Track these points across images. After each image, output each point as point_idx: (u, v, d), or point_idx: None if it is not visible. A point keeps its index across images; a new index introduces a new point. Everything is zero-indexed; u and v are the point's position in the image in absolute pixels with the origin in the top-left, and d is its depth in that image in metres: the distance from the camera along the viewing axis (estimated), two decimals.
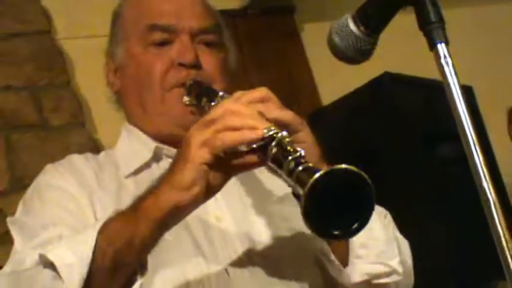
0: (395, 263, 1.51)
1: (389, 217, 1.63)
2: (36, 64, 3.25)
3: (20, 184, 2.99)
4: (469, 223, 2.75)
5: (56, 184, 1.54)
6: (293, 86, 3.60)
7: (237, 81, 1.54)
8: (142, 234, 1.28)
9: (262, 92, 1.37)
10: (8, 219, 1.52)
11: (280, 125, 1.31)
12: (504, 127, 4.13)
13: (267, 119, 1.30)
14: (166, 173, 1.31)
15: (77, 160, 1.62)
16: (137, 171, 1.59)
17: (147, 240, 1.29)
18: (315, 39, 3.65)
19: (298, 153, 1.21)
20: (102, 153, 1.68)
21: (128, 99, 1.68)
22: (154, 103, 1.61)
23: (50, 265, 1.28)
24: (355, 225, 1.20)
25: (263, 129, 1.25)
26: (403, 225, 3.03)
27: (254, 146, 1.27)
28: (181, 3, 1.68)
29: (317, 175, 1.13)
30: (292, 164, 1.20)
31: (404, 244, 1.61)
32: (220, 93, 1.47)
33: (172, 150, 1.56)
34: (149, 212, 1.27)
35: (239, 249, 1.49)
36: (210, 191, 1.29)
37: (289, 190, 1.43)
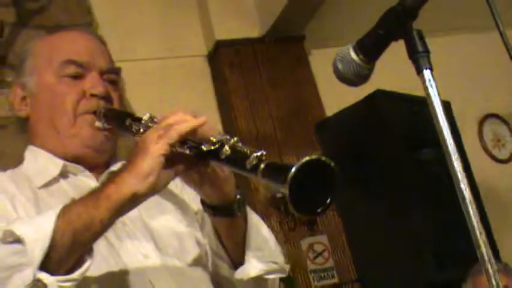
0: (282, 261, 1.49)
1: None
2: None
3: None
4: (446, 214, 2.75)
5: None
6: (302, 100, 3.59)
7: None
8: (102, 217, 1.23)
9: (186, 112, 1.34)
10: None
11: None
12: (475, 134, 4.13)
13: None
14: (126, 165, 1.28)
15: None
16: (48, 184, 1.50)
17: (105, 222, 1.24)
18: (320, 63, 3.65)
19: (259, 152, 1.18)
20: (8, 171, 1.56)
21: (39, 123, 1.58)
22: (66, 126, 1.52)
23: (10, 242, 1.21)
24: (329, 199, 1.16)
25: (213, 135, 1.25)
26: (393, 215, 3.06)
27: (205, 148, 1.25)
28: (92, 46, 1.61)
29: (293, 170, 1.10)
30: (255, 162, 1.17)
31: (283, 247, 1.57)
32: (146, 115, 1.41)
33: (79, 168, 1.51)
34: (111, 197, 1.23)
35: (149, 243, 1.45)
36: (163, 183, 1.27)
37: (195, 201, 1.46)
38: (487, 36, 3.70)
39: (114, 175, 1.29)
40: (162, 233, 1.48)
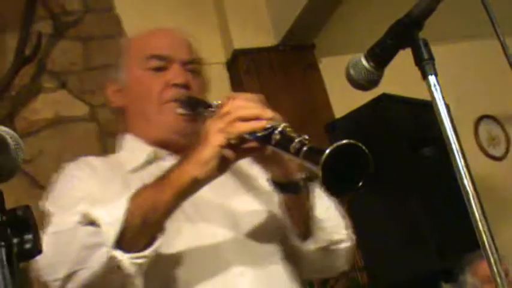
0: (347, 232, 1.49)
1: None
2: None
3: None
4: (446, 206, 2.74)
5: (77, 175, 1.49)
6: (313, 103, 3.59)
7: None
8: (166, 200, 1.25)
9: (259, 96, 1.35)
10: (40, 203, 1.44)
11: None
12: (471, 134, 4.11)
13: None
14: (188, 153, 1.29)
15: (90, 158, 1.58)
16: (137, 169, 1.54)
17: (169, 205, 1.27)
18: (329, 69, 3.65)
19: (302, 137, 1.19)
20: (104, 157, 1.62)
21: (131, 113, 1.61)
22: (153, 114, 1.55)
23: (89, 224, 1.25)
24: (360, 183, 1.17)
25: (266, 122, 1.24)
26: (397, 208, 3.05)
27: (259, 134, 1.25)
28: (173, 40, 1.65)
29: (327, 151, 1.10)
30: (298, 146, 1.17)
31: (348, 220, 1.55)
32: (215, 102, 1.44)
33: (166, 152, 1.53)
34: (173, 182, 1.25)
35: (225, 223, 1.45)
36: (222, 169, 1.28)
37: (263, 180, 1.44)
38: (482, 46, 3.70)
39: (179, 161, 1.30)
40: (236, 211, 1.48)
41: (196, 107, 1.50)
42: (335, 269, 1.55)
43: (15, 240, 0.78)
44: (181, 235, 1.39)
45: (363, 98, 3.00)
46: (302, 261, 1.48)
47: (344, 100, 3.35)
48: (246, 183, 1.56)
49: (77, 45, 3.28)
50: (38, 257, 1.15)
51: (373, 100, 3.05)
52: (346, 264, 1.55)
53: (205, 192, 1.38)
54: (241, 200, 1.51)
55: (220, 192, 1.46)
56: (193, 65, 1.62)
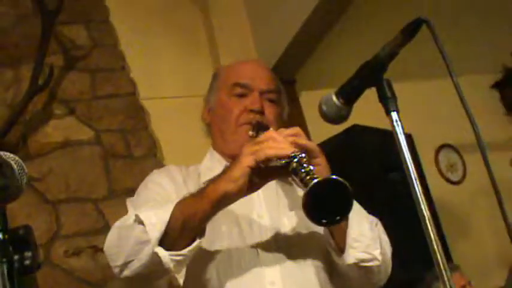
0: (377, 253, 1.46)
1: (379, 224, 1.57)
2: (126, 115, 3.27)
3: (114, 193, 3.00)
4: (410, 224, 2.72)
5: (157, 181, 1.57)
6: None
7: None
8: (203, 209, 1.30)
9: (296, 129, 1.40)
10: (127, 199, 1.56)
11: (306, 150, 1.34)
12: (432, 160, 4.13)
13: (297, 145, 1.33)
14: (223, 171, 1.35)
15: (172, 168, 1.65)
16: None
17: (206, 213, 1.31)
18: (308, 102, 3.66)
19: (308, 168, 1.24)
20: (193, 166, 1.67)
21: (214, 130, 1.67)
22: (230, 134, 1.61)
23: (141, 223, 1.31)
24: (338, 218, 1.21)
25: (289, 151, 1.29)
26: None
27: (283, 161, 1.29)
28: (256, 70, 1.68)
29: (313, 181, 1.15)
30: (304, 175, 1.22)
31: (386, 242, 1.55)
32: (271, 129, 1.49)
33: None
34: (209, 194, 1.30)
35: (270, 237, 1.47)
36: (251, 188, 1.32)
37: None
38: (441, 82, 3.71)
39: (216, 176, 1.35)
40: (282, 227, 1.50)
41: (261, 131, 1.54)
42: (372, 284, 1.53)
43: (16, 257, 0.77)
44: (226, 241, 1.44)
45: (338, 128, 3.00)
46: (341, 274, 1.49)
47: (320, 128, 3.35)
48: (295, 201, 1.57)
49: (85, 76, 3.28)
50: (106, 245, 1.39)
51: (346, 130, 3.06)
52: (383, 281, 1.54)
53: (258, 207, 1.47)
54: (288, 217, 1.53)
55: (271, 209, 1.51)
56: (271, 94, 1.66)
